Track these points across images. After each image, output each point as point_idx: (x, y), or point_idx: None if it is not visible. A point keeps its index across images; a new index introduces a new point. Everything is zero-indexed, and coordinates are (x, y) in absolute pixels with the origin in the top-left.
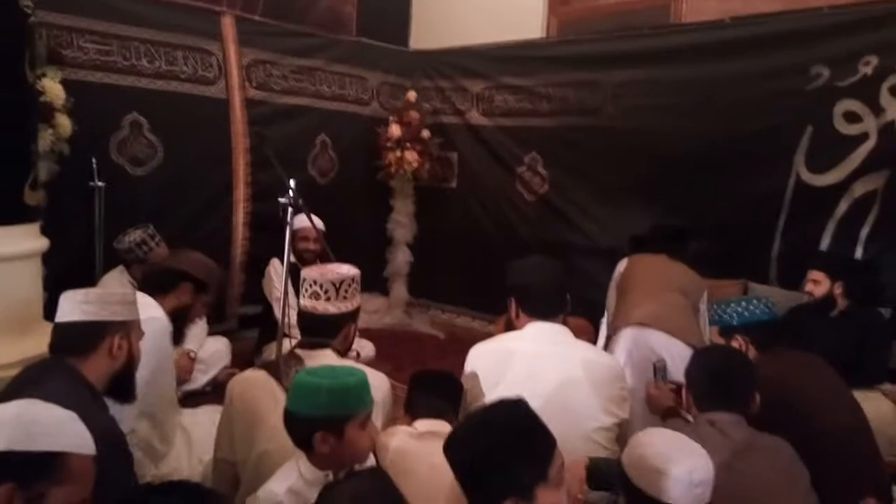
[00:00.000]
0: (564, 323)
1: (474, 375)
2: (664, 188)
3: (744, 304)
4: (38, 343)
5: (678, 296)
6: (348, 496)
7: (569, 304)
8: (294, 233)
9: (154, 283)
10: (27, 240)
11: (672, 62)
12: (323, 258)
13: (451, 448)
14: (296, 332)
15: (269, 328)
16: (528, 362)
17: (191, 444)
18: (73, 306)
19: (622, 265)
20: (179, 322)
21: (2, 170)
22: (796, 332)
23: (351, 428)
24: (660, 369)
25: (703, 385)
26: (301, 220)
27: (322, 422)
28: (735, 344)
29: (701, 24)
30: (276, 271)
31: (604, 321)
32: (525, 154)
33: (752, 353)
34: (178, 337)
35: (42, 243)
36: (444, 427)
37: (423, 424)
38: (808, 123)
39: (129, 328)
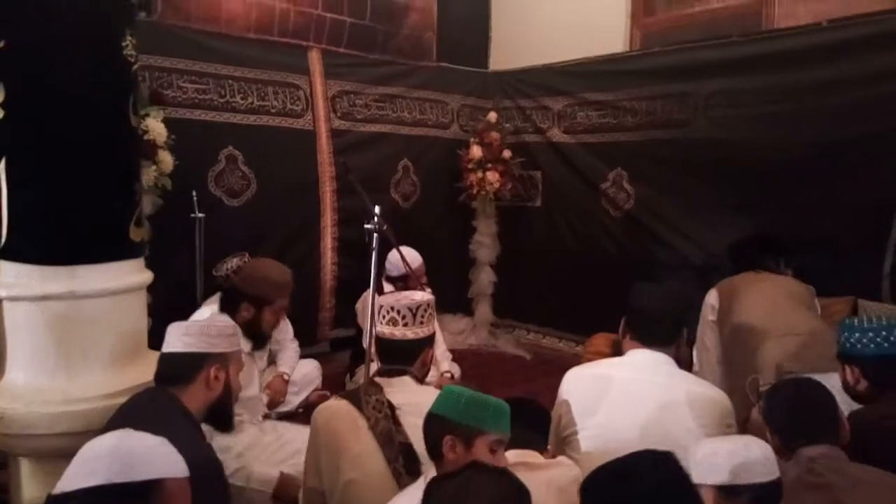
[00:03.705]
0: (677, 356)
1: (566, 403)
2: (760, 202)
3: (871, 333)
4: (143, 372)
5: (807, 313)
6: (486, 499)
7: (684, 335)
8: (405, 276)
9: (224, 303)
10: (133, 274)
11: (765, 70)
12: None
13: (590, 489)
14: None
15: (360, 351)
16: (627, 390)
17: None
18: (176, 338)
19: (713, 297)
20: (253, 332)
21: (110, 209)
22: None
23: (481, 443)
24: (751, 389)
25: (786, 420)
26: (414, 259)
27: (454, 425)
28: (850, 375)
29: (795, 29)
30: (369, 299)
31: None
32: (610, 170)
33: (862, 385)
34: (260, 343)
35: (147, 276)
36: (534, 458)
37: (512, 455)
38: None
39: (228, 359)
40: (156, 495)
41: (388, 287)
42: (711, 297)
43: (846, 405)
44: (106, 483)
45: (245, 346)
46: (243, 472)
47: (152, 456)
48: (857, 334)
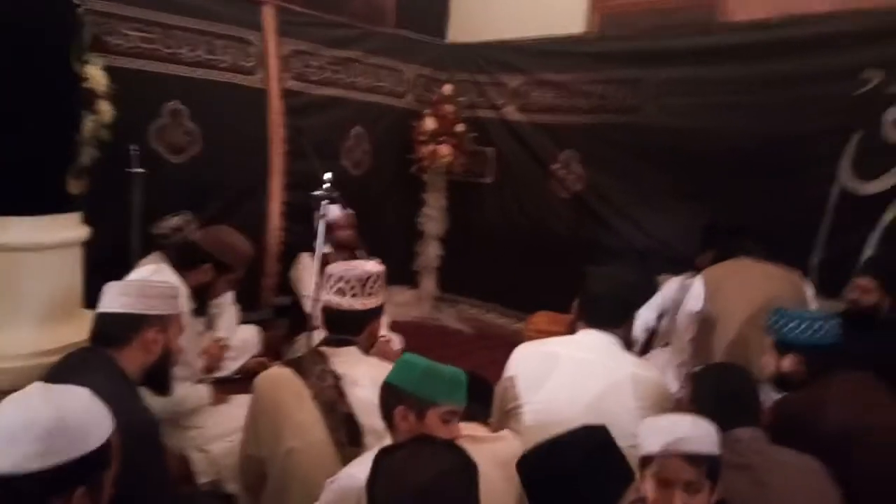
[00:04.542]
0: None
1: (512, 378)
2: (703, 191)
3: (808, 322)
4: (77, 330)
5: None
6: (433, 472)
7: (632, 319)
8: (329, 225)
9: (178, 259)
10: (69, 229)
11: (717, 61)
12: (355, 245)
13: (527, 464)
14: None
15: (299, 319)
16: (574, 369)
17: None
18: (113, 298)
19: (698, 287)
20: (202, 297)
21: (46, 159)
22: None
23: (433, 415)
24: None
25: (712, 405)
26: (333, 211)
27: (406, 395)
28: (787, 362)
29: (747, 24)
30: (305, 266)
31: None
32: (560, 151)
33: (799, 372)
34: (200, 311)
35: (83, 232)
36: (479, 430)
37: None
38: (855, 129)
39: (168, 322)
40: (108, 455)
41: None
42: (697, 288)
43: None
44: (68, 460)
45: (188, 305)
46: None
47: (99, 418)
48: (794, 322)
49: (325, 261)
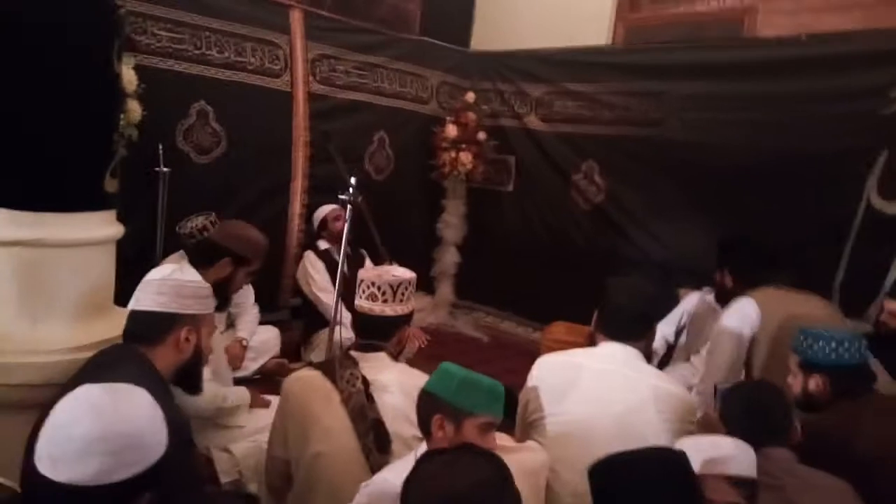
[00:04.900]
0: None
1: (535, 388)
2: (724, 206)
3: (834, 343)
4: (110, 327)
5: None
6: (469, 480)
7: (653, 331)
8: (324, 219)
9: (196, 257)
10: (105, 226)
11: (742, 77)
12: (355, 247)
13: (600, 473)
14: (346, 330)
15: (313, 320)
16: (597, 381)
17: None
18: (148, 295)
19: (752, 309)
20: (222, 292)
21: (87, 158)
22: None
23: (470, 425)
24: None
25: (741, 422)
26: (326, 206)
27: (444, 405)
28: (813, 382)
29: (775, 40)
30: (312, 264)
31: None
32: (582, 162)
33: (825, 393)
34: (221, 305)
35: (118, 229)
36: (506, 440)
37: None
38: (882, 148)
39: (200, 322)
40: (169, 460)
41: (322, 244)
42: (750, 309)
43: None
44: (141, 472)
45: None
46: (222, 393)
47: (160, 424)
48: (819, 342)
49: (329, 257)
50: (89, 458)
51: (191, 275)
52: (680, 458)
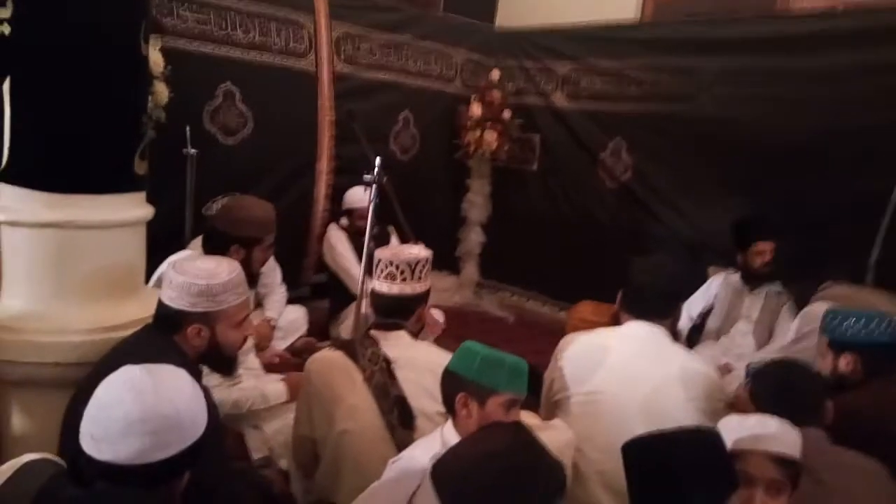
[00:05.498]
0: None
1: (560, 368)
2: (756, 183)
3: (864, 321)
4: (140, 308)
5: None
6: (504, 444)
7: (679, 310)
8: (351, 210)
9: (209, 246)
10: (136, 208)
11: (776, 51)
12: (382, 226)
13: (634, 451)
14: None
15: (339, 296)
16: (622, 361)
17: None
18: (164, 288)
19: None
20: (245, 273)
21: (116, 139)
22: None
23: (494, 402)
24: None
25: (773, 402)
26: (359, 200)
27: (467, 383)
28: (843, 361)
29: (810, 12)
30: (338, 238)
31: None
32: (609, 139)
33: (856, 372)
34: (249, 284)
35: (148, 211)
36: (532, 418)
37: None
38: None
39: (212, 318)
40: (206, 439)
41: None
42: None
43: None
44: (182, 450)
45: None
46: (258, 393)
47: (199, 404)
48: (849, 321)
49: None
50: (130, 438)
51: (213, 263)
52: (715, 439)
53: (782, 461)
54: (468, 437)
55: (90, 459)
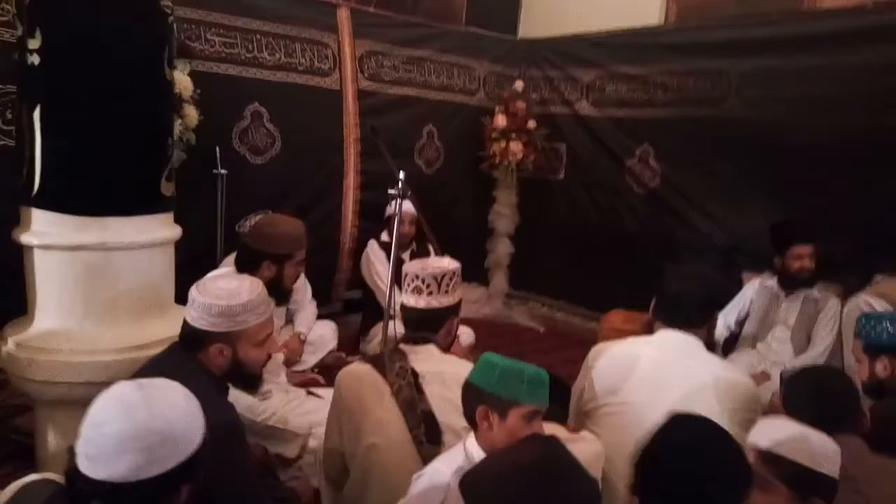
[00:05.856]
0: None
1: (590, 378)
2: (789, 186)
3: None
4: (169, 326)
5: None
6: (532, 457)
7: (714, 318)
8: (390, 216)
9: (241, 264)
10: (163, 228)
11: (805, 51)
12: (420, 241)
13: (660, 442)
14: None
15: (372, 312)
16: (654, 371)
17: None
18: (187, 308)
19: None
20: (277, 289)
21: (143, 162)
22: None
23: (515, 414)
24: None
25: (808, 409)
26: (407, 206)
27: (487, 396)
28: (880, 365)
29: (839, 10)
30: (375, 254)
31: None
32: (637, 146)
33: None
34: (282, 300)
35: (176, 231)
36: (560, 431)
37: None
38: None
39: (233, 338)
40: (205, 451)
41: (384, 236)
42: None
43: None
44: (174, 466)
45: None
46: (280, 417)
47: (193, 417)
48: (884, 324)
49: (391, 248)
50: (123, 455)
51: (234, 283)
52: (720, 431)
53: (770, 458)
54: (500, 449)
55: (87, 479)
